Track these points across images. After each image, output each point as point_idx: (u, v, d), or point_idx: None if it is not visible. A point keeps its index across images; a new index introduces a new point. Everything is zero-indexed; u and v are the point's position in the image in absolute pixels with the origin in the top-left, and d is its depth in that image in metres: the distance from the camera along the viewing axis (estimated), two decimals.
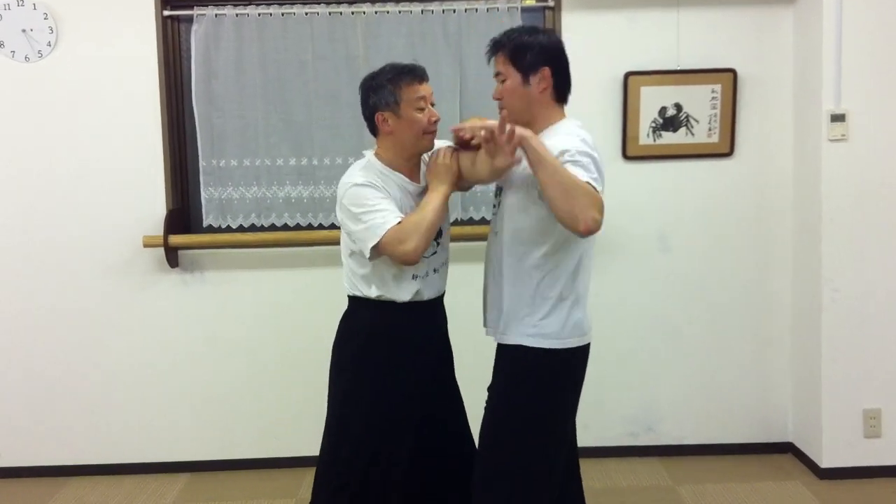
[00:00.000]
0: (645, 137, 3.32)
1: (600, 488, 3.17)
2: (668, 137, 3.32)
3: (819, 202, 3.14)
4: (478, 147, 2.06)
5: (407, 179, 2.20)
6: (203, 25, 3.25)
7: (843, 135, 3.10)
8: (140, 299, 3.35)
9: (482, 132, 1.93)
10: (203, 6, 3.25)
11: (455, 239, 2.55)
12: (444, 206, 2.13)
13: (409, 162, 2.21)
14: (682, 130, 3.32)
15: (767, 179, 3.37)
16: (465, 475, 2.18)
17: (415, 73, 2.14)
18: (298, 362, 3.34)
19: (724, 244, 3.39)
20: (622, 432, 3.46)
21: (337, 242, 2.30)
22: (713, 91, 3.30)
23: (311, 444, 2.49)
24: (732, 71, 3.29)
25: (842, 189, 3.12)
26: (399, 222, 2.04)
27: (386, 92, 2.11)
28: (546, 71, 2.02)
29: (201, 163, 3.32)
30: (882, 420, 3.19)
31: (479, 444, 2.13)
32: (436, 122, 2.17)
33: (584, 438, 2.44)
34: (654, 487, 3.19)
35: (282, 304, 3.38)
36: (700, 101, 3.30)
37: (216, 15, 3.25)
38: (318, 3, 3.28)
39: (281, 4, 3.27)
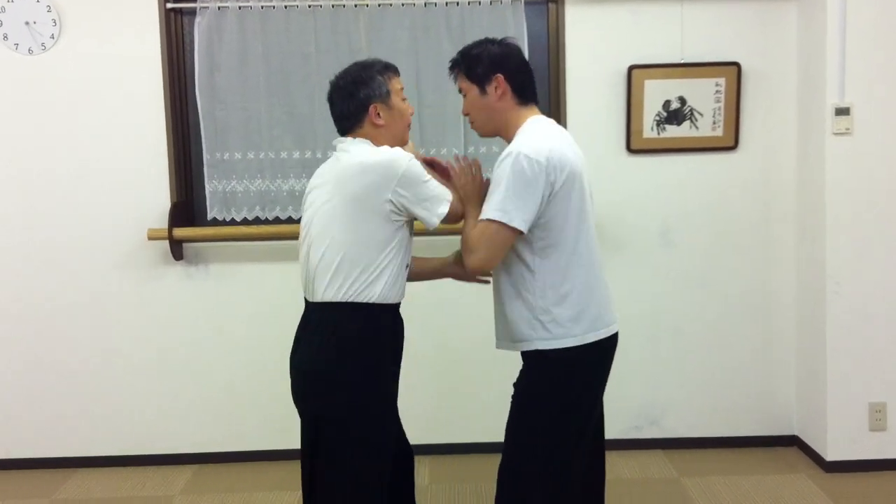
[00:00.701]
0: (649, 131, 3.32)
1: (606, 481, 3.16)
2: (672, 131, 3.32)
3: (823, 195, 3.14)
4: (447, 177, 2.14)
5: None
6: (206, 18, 3.26)
7: (848, 128, 3.09)
8: (145, 292, 3.36)
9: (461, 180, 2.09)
10: None
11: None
12: None
13: None
14: (686, 124, 3.32)
15: (771, 173, 3.37)
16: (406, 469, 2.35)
17: (394, 67, 2.16)
18: None
19: (728, 237, 3.39)
20: (627, 426, 3.47)
21: None
22: (717, 84, 3.29)
23: None
24: (736, 64, 3.28)
25: (846, 183, 3.12)
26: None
27: (377, 83, 2.09)
28: (499, 78, 2.04)
29: (205, 156, 3.33)
30: (887, 413, 3.18)
31: (504, 438, 2.13)
32: (411, 114, 2.20)
33: None
34: (660, 480, 3.19)
35: (286, 297, 3.34)
36: (704, 95, 3.30)
37: (219, 7, 3.25)
38: None
39: None
